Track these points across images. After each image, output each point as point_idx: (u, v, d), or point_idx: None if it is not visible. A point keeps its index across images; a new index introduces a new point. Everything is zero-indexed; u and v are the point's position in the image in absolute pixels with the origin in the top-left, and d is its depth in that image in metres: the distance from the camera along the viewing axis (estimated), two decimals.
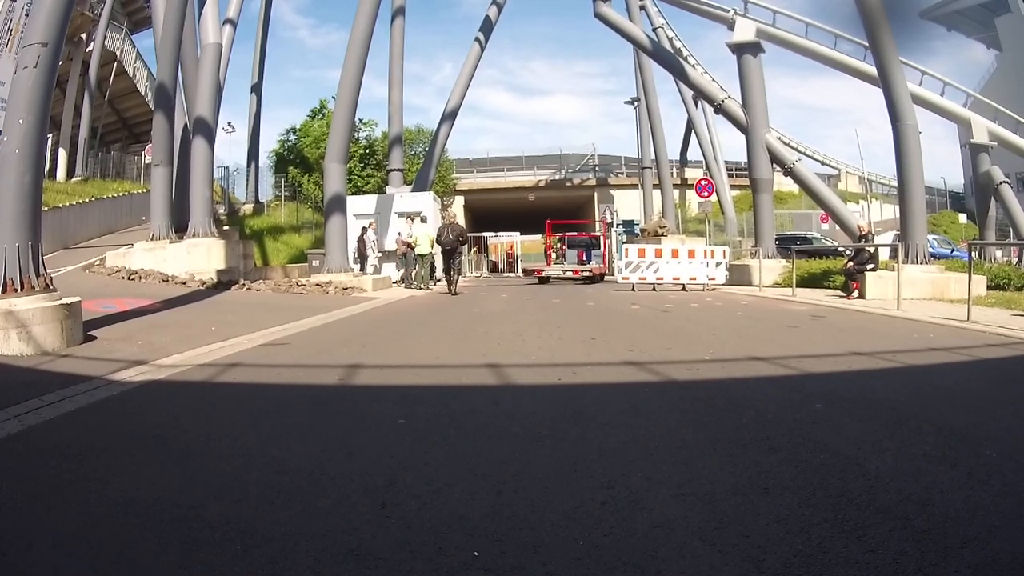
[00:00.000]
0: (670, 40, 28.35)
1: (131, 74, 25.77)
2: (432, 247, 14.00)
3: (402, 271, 15.00)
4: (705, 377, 3.68)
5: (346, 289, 11.58)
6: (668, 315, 7.89)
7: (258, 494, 1.89)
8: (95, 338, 5.33)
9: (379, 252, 16.10)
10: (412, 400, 3.18)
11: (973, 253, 11.20)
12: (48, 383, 3.51)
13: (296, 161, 27.54)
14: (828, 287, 12.15)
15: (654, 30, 26.39)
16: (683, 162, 34.41)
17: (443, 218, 14.88)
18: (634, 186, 30.88)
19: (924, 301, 9.50)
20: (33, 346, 4.65)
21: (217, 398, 3.40)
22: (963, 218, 29.58)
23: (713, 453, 2.24)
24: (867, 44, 13.67)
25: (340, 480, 1.99)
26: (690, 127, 32.58)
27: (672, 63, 19.73)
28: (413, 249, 13.93)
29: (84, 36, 22.59)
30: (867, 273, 10.36)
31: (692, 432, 2.49)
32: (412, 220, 15.37)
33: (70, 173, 21.99)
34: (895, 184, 13.42)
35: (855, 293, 10.37)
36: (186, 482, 2.03)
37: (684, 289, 13.05)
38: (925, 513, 1.75)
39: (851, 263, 10.97)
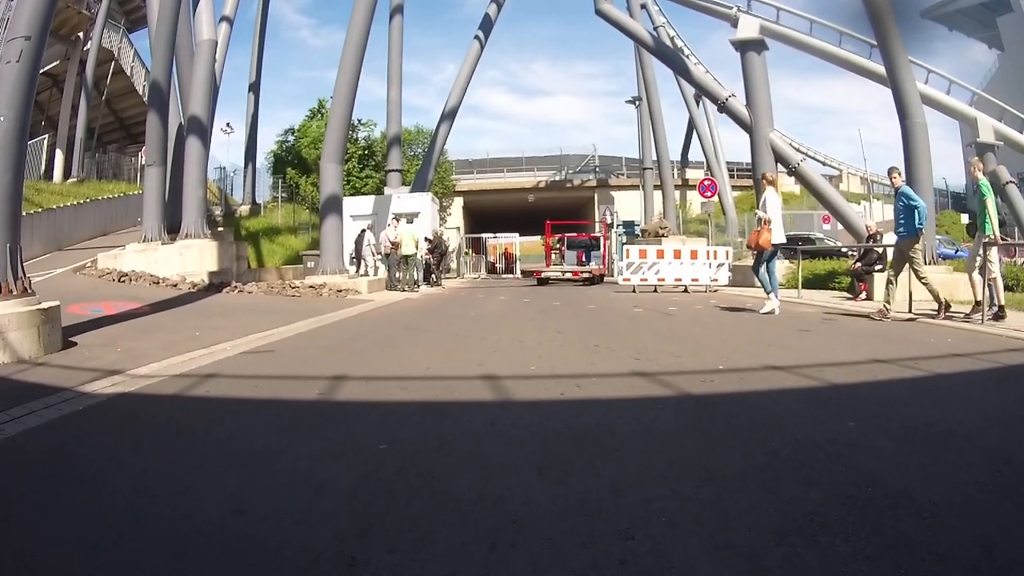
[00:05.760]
0: (671, 39, 28.15)
1: (129, 73, 25.47)
2: (417, 248, 13.74)
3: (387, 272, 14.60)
4: (722, 390, 3.37)
5: (340, 291, 11.32)
6: (673, 318, 7.60)
7: (207, 543, 1.60)
8: (75, 344, 5.16)
9: (377, 255, 15.78)
10: (397, 419, 2.87)
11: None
12: (18, 395, 3.32)
13: (294, 162, 27.32)
14: (834, 288, 11.89)
15: (655, 28, 26.19)
16: (684, 163, 34.26)
17: (443, 220, 14.78)
18: (635, 187, 30.66)
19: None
20: (9, 353, 4.49)
21: (185, 415, 3.12)
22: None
23: (745, 487, 1.93)
24: (872, 42, 13.47)
25: (304, 525, 1.69)
26: (691, 127, 32.39)
27: (675, 60, 19.51)
28: (397, 250, 13.57)
29: (81, 35, 22.32)
30: (875, 274, 10.11)
31: (717, 460, 2.18)
32: (398, 221, 14.94)
33: (66, 174, 21.75)
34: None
35: (863, 295, 10.13)
36: (129, 524, 1.74)
37: (686, 291, 12.79)
38: (991, 558, 1.50)
39: (859, 264, 10.73)
